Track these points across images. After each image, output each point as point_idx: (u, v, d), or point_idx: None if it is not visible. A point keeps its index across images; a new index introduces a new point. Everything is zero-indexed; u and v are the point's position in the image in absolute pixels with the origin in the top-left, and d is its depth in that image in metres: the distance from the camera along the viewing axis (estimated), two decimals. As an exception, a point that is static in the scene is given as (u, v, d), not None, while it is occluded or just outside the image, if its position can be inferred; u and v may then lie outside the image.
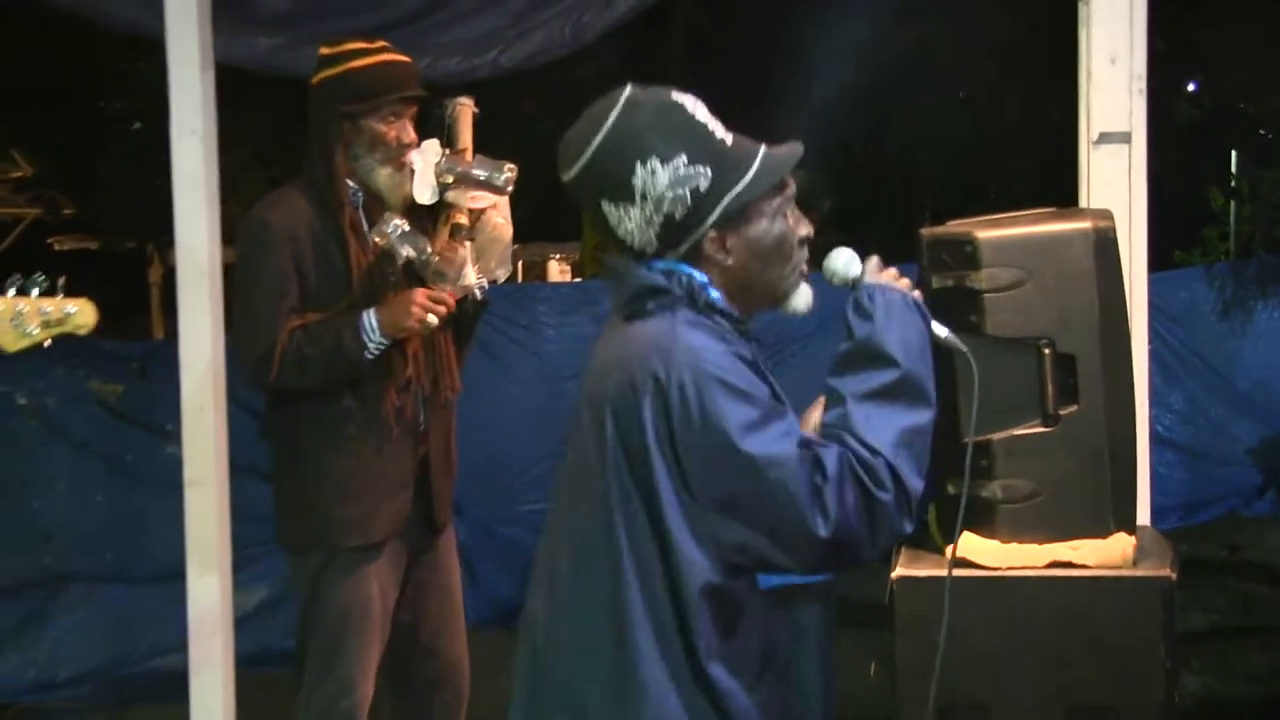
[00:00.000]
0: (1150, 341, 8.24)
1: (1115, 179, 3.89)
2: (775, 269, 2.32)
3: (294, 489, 3.76)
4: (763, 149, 2.32)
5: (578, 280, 14.24)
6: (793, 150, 2.34)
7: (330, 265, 3.67)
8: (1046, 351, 3.23)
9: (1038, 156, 10.31)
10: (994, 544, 3.27)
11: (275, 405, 3.77)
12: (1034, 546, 3.25)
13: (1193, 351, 8.82)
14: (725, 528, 2.13)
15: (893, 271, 2.41)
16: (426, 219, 3.73)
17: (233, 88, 4.28)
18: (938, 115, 11.86)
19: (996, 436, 3.27)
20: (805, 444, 2.14)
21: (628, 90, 2.28)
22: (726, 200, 2.25)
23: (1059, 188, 4.21)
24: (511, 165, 3.69)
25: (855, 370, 2.24)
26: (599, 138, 2.25)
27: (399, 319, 3.58)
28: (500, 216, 3.79)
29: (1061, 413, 3.25)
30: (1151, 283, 6.20)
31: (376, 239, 3.63)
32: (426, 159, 3.66)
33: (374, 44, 3.72)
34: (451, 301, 3.63)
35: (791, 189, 2.35)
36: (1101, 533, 3.25)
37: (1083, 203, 3.94)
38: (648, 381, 2.14)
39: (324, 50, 3.72)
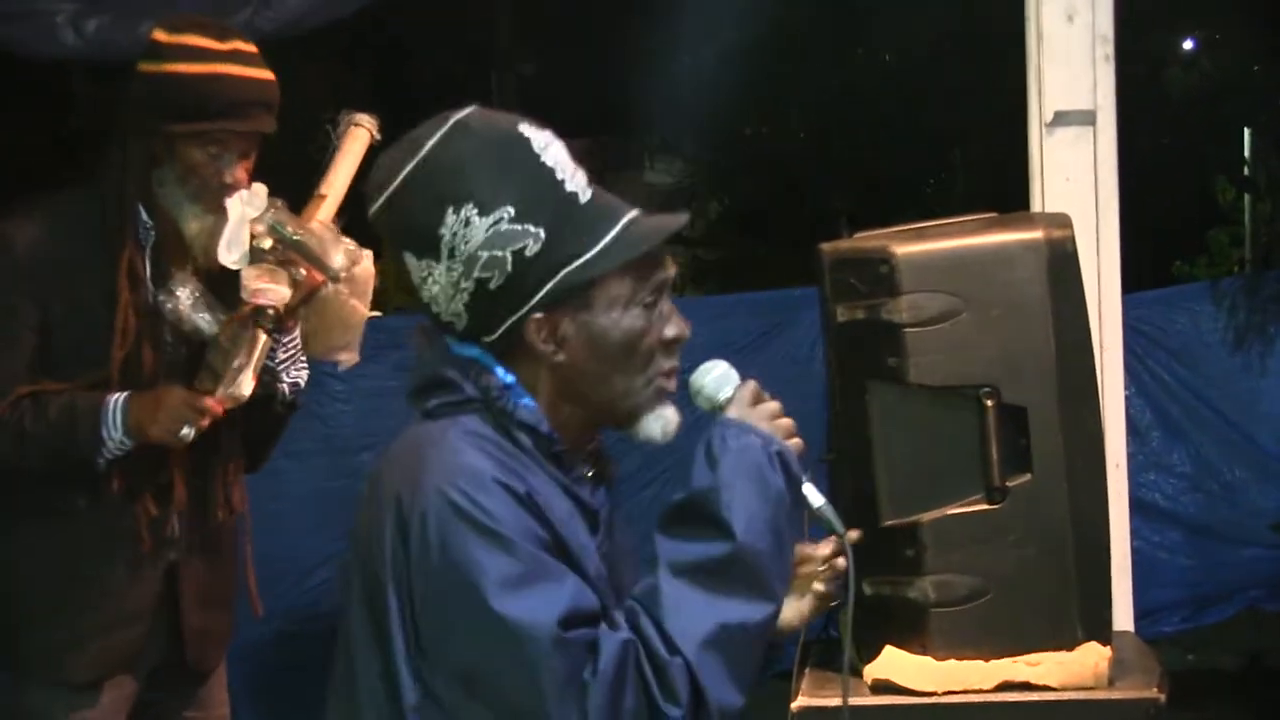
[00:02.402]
0: (1144, 384, 8.40)
1: (1076, 172, 3.99)
2: (622, 377, 2.32)
3: None
4: (631, 214, 2.32)
5: (376, 314, 14.15)
6: (671, 221, 2.34)
7: (88, 319, 3.62)
8: (989, 404, 3.30)
9: (991, 140, 10.43)
10: (926, 661, 3.33)
11: None
12: (979, 664, 3.31)
13: (1198, 396, 8.90)
14: (463, 707, 2.19)
15: (772, 407, 2.38)
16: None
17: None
18: (857, 86, 11.95)
19: (926, 518, 3.33)
20: (580, 619, 2.15)
21: (464, 112, 2.31)
22: (563, 274, 2.25)
23: (1017, 183, 4.28)
24: (355, 248, 3.63)
25: (679, 532, 2.25)
26: (408, 168, 2.27)
27: (145, 422, 3.55)
28: (356, 296, 3.75)
29: (1010, 484, 3.32)
30: (1142, 305, 6.26)
31: (162, 298, 3.59)
32: (246, 209, 3.61)
33: (225, 43, 3.65)
34: (218, 410, 3.59)
35: (666, 274, 2.35)
36: (1066, 643, 3.32)
37: (1035, 204, 4.03)
38: (391, 503, 2.20)
39: (158, 33, 3.66)
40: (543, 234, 2.23)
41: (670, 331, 2.33)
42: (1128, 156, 4.09)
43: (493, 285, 2.23)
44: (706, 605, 2.18)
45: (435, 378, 2.31)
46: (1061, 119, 4.00)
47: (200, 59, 3.62)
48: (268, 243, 3.59)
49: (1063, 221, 3.42)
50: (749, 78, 11.38)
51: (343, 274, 3.65)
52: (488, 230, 2.22)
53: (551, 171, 2.27)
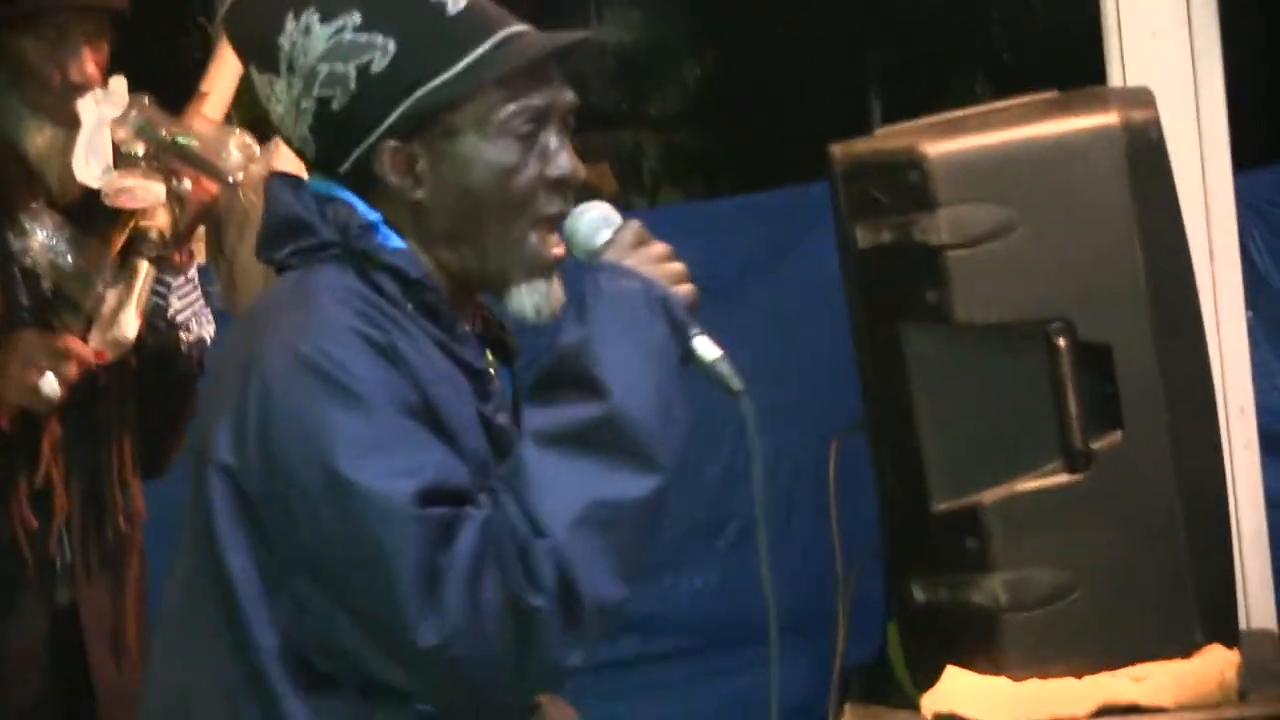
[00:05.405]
0: (1262, 299, 8.42)
1: (1165, 25, 3.95)
2: (492, 223, 2.45)
3: None
4: (510, 29, 2.44)
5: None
6: (553, 38, 2.45)
7: None
8: (1061, 342, 3.31)
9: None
10: (1000, 683, 3.35)
11: None
12: (1069, 682, 3.33)
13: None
14: (309, 606, 2.31)
15: (658, 249, 2.48)
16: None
17: None
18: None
19: (989, 497, 3.35)
20: (442, 495, 2.25)
21: None
22: (414, 96, 2.40)
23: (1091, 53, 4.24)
24: (244, 137, 3.55)
25: (548, 395, 2.35)
26: None
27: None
28: (254, 192, 3.73)
29: (1097, 446, 3.33)
30: (1256, 188, 6.21)
31: (12, 239, 3.60)
32: (104, 110, 3.60)
33: None
34: (88, 356, 3.58)
35: (552, 100, 2.46)
36: (1182, 649, 3.34)
37: (1112, 74, 4.00)
38: (234, 381, 2.32)
39: None
40: (392, 46, 2.39)
41: (558, 170, 2.44)
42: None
43: (335, 106, 2.39)
44: (577, 478, 2.27)
45: (287, 219, 2.44)
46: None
47: None
48: (139, 148, 3.59)
49: (1144, 99, 3.41)
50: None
51: (239, 173, 3.63)
52: (328, 40, 2.39)
53: None
